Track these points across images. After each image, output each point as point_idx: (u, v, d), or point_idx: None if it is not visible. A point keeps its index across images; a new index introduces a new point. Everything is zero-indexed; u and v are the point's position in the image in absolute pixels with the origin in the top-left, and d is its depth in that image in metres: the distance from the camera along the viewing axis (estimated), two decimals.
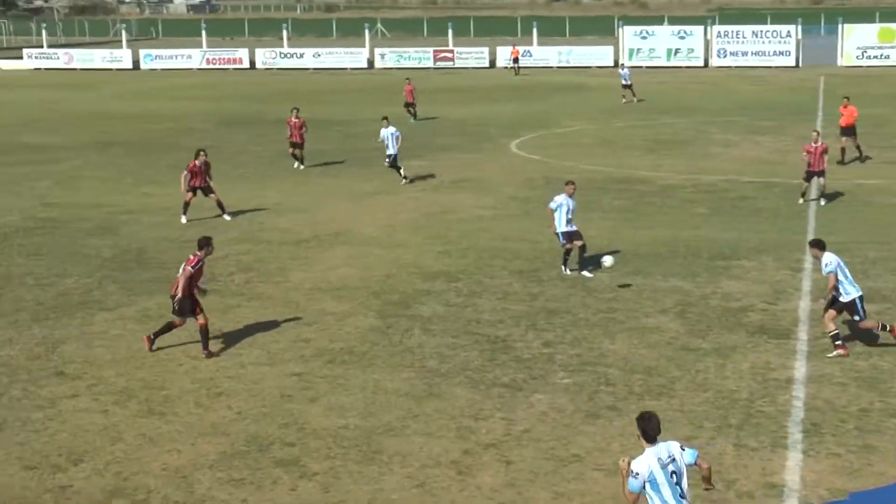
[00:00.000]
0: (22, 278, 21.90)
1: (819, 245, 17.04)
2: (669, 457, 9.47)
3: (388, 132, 32.07)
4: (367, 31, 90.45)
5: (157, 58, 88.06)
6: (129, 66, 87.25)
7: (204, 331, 17.13)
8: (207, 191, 27.68)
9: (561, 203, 21.45)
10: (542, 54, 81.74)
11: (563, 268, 21.50)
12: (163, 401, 15.23)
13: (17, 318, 19.19)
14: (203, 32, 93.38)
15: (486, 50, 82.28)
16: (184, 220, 27.22)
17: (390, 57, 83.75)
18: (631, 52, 77.90)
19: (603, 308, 19.24)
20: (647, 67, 75.87)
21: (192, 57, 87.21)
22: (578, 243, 21.43)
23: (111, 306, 19.87)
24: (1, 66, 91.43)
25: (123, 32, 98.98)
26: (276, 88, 66.82)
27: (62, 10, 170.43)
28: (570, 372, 16.14)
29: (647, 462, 9.37)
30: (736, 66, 75.00)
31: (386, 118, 33.00)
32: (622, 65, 59.23)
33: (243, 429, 14.22)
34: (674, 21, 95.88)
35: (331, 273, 21.95)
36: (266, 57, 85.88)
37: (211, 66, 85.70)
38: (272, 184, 32.62)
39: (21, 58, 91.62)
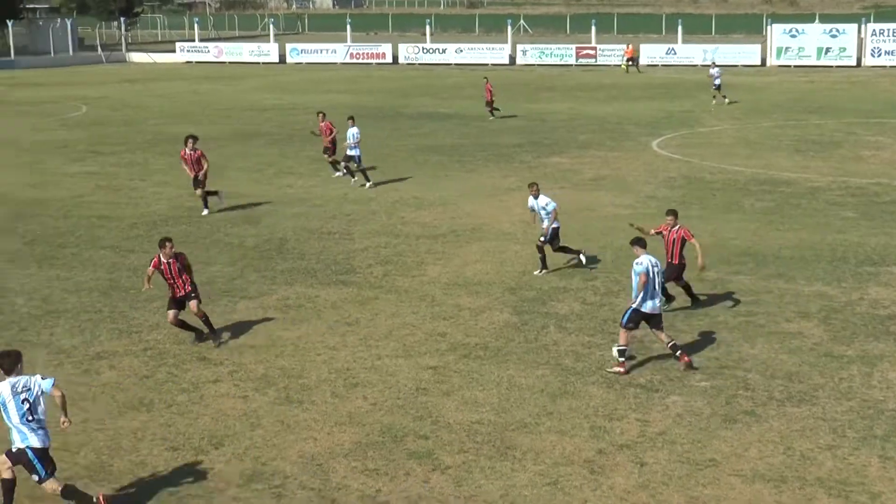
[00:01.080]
0: None
1: (640, 243, 16.39)
2: (25, 387, 11.34)
3: (352, 132, 30.91)
4: (509, 27, 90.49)
5: (303, 52, 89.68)
6: (276, 59, 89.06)
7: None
8: (197, 183, 27.62)
9: (531, 206, 21.91)
10: (687, 52, 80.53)
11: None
12: (300, 389, 15.50)
13: (165, 303, 19.72)
14: (348, 27, 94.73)
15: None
16: (205, 212, 27.60)
17: (532, 53, 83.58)
18: (779, 50, 76.33)
19: (742, 311, 18.86)
20: (796, 66, 74.20)
21: (336, 51, 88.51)
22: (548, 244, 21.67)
23: (253, 294, 20.30)
24: (155, 59, 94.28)
25: (271, 27, 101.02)
26: (417, 83, 67.36)
27: (214, 5, 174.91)
28: (708, 375, 15.88)
29: (2, 390, 11.30)
30: (891, 66, 72.74)
31: (352, 118, 31.87)
32: (713, 63, 57.63)
33: (378, 420, 14.38)
34: (825, 19, 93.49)
35: (467, 268, 22.03)
36: (408, 52, 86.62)
37: (355, 60, 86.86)
38: (411, 178, 32.87)
39: (174, 51, 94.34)
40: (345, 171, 31.98)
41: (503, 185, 31.36)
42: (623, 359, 16.03)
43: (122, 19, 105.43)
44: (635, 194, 29.80)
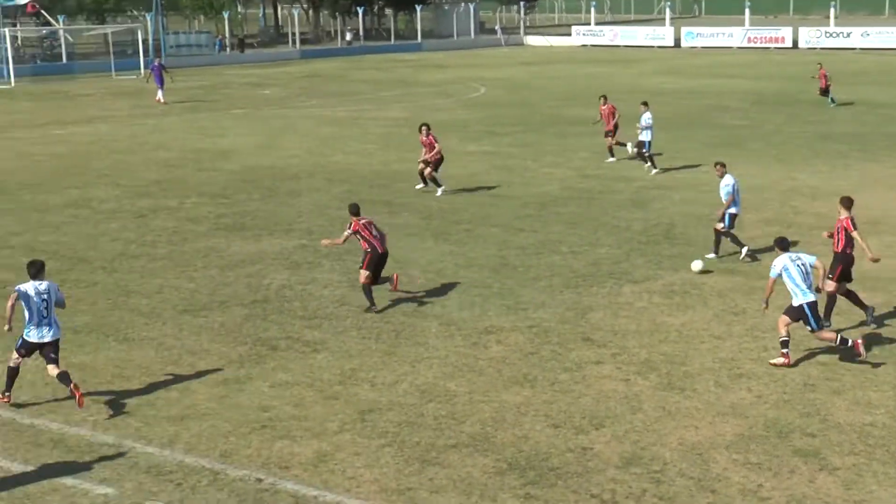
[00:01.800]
0: (557, 245, 22.93)
1: (780, 244, 16.09)
2: (46, 290, 14.03)
3: (645, 116, 30.29)
4: None
5: (699, 36, 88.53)
6: (671, 43, 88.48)
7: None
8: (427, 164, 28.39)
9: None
10: None
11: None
12: (683, 376, 15.31)
13: (551, 282, 20.13)
14: (746, 10, 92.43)
15: None
16: (438, 192, 28.36)
17: None
18: None
19: None
20: None
21: (732, 35, 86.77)
22: None
23: (638, 279, 20.27)
24: (552, 43, 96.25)
25: (667, 10, 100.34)
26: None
27: None
28: None
29: (28, 289, 13.99)
30: None
31: (645, 103, 30.81)
32: None
33: (762, 413, 13.96)
34: None
35: (863, 263, 20.86)
36: (810, 36, 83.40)
37: (752, 44, 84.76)
38: (808, 167, 31.64)
39: (570, 34, 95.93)
40: (636, 156, 31.57)
41: None
42: (785, 350, 15.54)
43: (521, 4, 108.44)
44: None
